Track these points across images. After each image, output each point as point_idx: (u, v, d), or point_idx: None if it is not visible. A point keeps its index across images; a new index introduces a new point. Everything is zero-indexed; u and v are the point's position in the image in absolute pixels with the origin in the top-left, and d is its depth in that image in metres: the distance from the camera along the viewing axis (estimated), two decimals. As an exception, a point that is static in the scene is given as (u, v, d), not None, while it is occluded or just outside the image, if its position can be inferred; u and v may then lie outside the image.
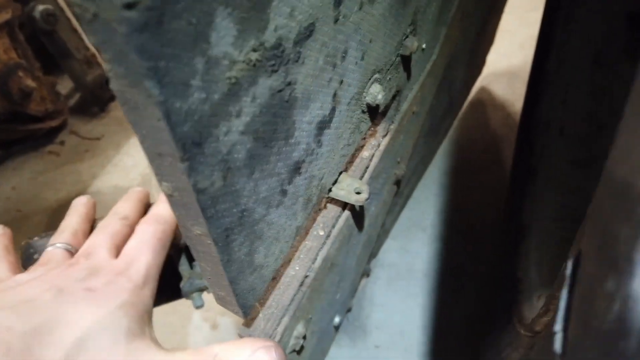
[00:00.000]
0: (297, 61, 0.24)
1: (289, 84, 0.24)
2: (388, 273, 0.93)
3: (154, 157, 0.19)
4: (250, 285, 0.32)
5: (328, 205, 0.45)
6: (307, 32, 0.24)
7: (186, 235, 0.26)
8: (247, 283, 0.31)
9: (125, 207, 0.37)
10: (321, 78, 0.28)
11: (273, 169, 0.27)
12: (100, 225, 0.35)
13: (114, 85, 0.16)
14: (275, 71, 0.22)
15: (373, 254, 0.83)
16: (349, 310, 0.82)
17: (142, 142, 0.19)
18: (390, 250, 0.98)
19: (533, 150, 0.79)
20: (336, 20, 0.26)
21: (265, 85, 0.22)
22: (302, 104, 0.27)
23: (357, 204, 0.39)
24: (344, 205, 0.45)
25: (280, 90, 0.23)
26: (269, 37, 0.20)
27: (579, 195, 0.72)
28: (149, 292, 0.31)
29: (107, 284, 0.29)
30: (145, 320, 0.30)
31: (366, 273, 0.83)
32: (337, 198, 0.41)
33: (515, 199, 0.78)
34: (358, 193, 0.40)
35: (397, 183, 0.67)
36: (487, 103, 1.26)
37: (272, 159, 0.26)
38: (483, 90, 1.29)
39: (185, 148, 0.18)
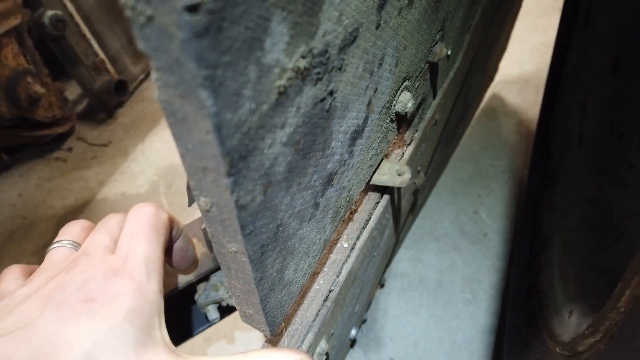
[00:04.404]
0: (340, 69, 0.22)
1: (331, 92, 0.23)
2: (401, 283, 0.92)
3: (196, 172, 0.18)
4: (279, 303, 0.30)
5: (353, 216, 0.43)
6: (352, 38, 0.22)
7: (219, 252, 0.24)
8: (277, 300, 0.30)
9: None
10: (359, 86, 0.26)
11: (309, 182, 0.26)
12: (100, 223, 0.33)
13: (160, 96, 0.15)
14: (320, 79, 0.21)
15: (387, 264, 0.81)
16: (363, 322, 0.81)
17: (185, 156, 0.17)
18: (402, 259, 0.96)
19: (551, 158, 0.78)
20: (378, 26, 0.25)
21: (309, 94, 0.20)
22: (340, 114, 0.25)
23: (401, 186, 0.38)
24: (369, 216, 0.43)
25: (322, 100, 0.22)
26: (317, 43, 0.19)
27: (600, 205, 0.70)
28: (155, 286, 0.28)
29: (107, 288, 0.27)
30: (155, 324, 0.27)
31: (381, 284, 0.81)
32: (380, 184, 0.39)
33: (534, 208, 0.76)
34: (399, 175, 0.38)
35: (415, 193, 0.66)
36: (498, 110, 1.25)
37: (309, 170, 0.25)
38: (494, 97, 1.28)
39: (232, 162, 0.17)
